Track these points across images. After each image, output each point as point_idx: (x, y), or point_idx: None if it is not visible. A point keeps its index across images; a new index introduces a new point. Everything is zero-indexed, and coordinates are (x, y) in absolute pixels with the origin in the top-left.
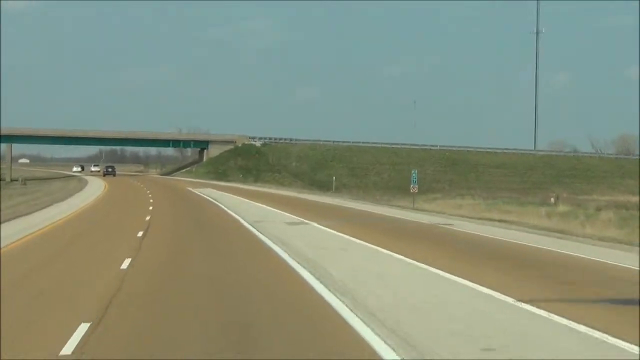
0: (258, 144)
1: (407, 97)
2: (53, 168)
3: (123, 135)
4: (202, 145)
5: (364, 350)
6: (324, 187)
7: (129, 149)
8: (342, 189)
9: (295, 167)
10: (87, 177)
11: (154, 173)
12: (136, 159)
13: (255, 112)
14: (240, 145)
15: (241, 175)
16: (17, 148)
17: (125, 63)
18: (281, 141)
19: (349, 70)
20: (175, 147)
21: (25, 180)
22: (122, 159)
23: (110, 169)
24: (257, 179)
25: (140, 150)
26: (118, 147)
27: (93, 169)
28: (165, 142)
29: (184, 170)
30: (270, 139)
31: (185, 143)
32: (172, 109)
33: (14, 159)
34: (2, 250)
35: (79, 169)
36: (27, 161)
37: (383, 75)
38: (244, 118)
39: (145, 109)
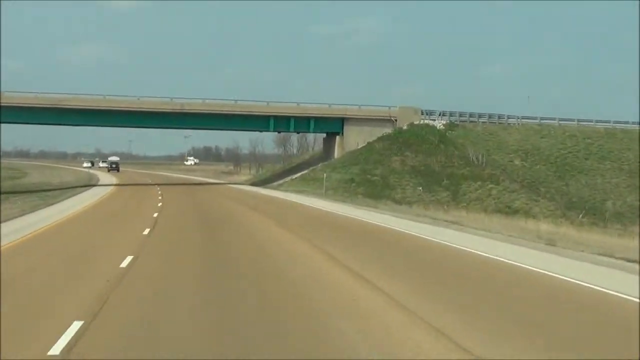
0: (439, 124)
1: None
2: (70, 163)
3: (184, 109)
4: (330, 126)
5: None
6: (599, 215)
7: (224, 146)
8: None
9: (522, 168)
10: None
11: (239, 178)
12: (233, 158)
13: None
14: (405, 127)
15: (420, 189)
16: (107, 145)
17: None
18: (481, 120)
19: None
20: (279, 130)
21: None
22: (218, 158)
23: (114, 165)
24: (455, 196)
25: (241, 146)
26: (212, 145)
27: (101, 164)
28: (261, 121)
29: (296, 175)
30: (461, 115)
31: (299, 122)
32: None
33: (103, 157)
34: None
35: (89, 164)
36: (118, 159)
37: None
38: None
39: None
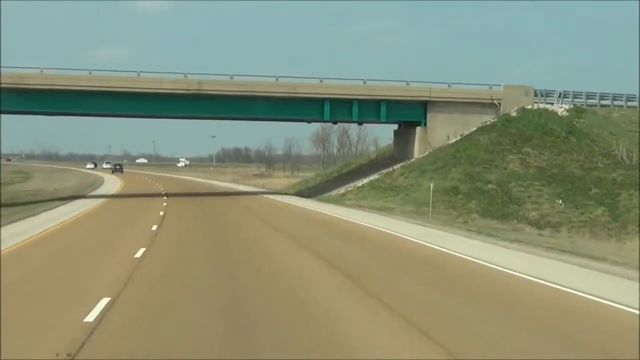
0: (562, 110)
1: None
2: (71, 165)
3: (203, 89)
4: (407, 112)
5: None
6: None
7: (254, 147)
8: None
9: None
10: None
11: (275, 182)
12: (265, 159)
13: None
14: (513, 113)
15: (560, 202)
16: (134, 147)
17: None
18: (616, 104)
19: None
20: (335, 120)
21: None
22: (247, 159)
23: (118, 167)
24: (613, 213)
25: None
26: (242, 146)
27: (105, 166)
28: (312, 106)
29: (363, 182)
30: (589, 96)
31: (365, 107)
32: None
33: (131, 159)
34: None
35: (92, 165)
36: (145, 161)
37: None
38: None
39: None
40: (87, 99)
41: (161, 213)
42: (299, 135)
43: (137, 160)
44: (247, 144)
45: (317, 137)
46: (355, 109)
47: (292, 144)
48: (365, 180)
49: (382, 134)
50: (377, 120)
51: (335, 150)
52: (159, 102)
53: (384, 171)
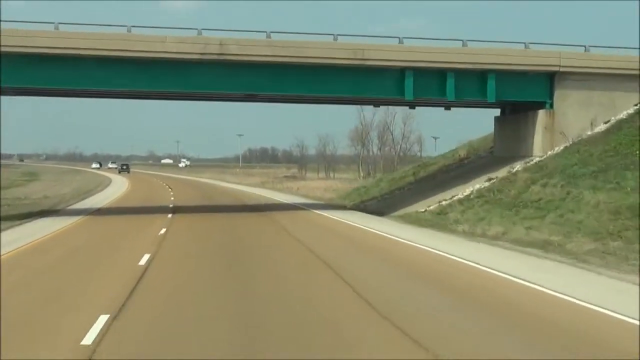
0: None
1: None
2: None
3: (225, 53)
4: (524, 89)
5: None
6: None
7: (282, 147)
8: None
9: None
10: None
11: (310, 186)
12: (296, 159)
13: None
14: None
15: None
16: (160, 148)
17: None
18: None
19: None
20: (417, 101)
21: None
22: (274, 160)
23: (124, 167)
24: None
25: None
26: (269, 146)
27: (110, 165)
28: (387, 79)
29: (465, 192)
30: None
31: (464, 82)
32: None
33: (157, 159)
34: None
35: (97, 165)
36: (171, 161)
37: None
38: None
39: None
40: (46, 68)
41: (145, 259)
42: (333, 132)
43: (163, 161)
44: (274, 144)
45: (357, 134)
46: (450, 83)
47: (326, 142)
48: (467, 190)
49: (427, 131)
50: (482, 101)
51: (375, 149)
52: (161, 71)
53: (495, 175)
